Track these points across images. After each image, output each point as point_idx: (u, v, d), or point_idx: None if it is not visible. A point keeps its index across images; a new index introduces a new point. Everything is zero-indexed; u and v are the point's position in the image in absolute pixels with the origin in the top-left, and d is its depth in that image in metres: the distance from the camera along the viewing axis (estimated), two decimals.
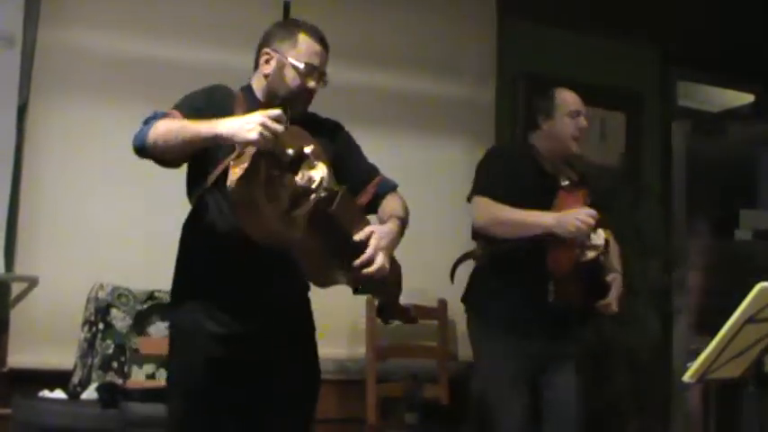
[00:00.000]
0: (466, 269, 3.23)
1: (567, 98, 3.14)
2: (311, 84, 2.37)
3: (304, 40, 2.38)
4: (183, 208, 2.42)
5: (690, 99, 5.47)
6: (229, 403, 2.32)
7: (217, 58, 3.80)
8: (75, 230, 3.62)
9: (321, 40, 2.40)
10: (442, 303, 4.06)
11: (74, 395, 3.32)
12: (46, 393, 3.32)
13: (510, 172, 3.06)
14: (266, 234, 2.14)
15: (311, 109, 2.47)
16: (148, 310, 3.53)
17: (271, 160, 2.06)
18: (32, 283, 3.54)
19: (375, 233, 2.29)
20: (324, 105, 2.49)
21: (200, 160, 2.23)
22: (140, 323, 3.50)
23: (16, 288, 3.55)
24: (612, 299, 3.06)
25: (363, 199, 2.47)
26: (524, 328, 3.02)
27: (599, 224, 2.98)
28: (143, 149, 2.17)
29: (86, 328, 3.48)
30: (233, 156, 2.09)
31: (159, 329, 3.52)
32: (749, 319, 2.18)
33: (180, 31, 3.87)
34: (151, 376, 3.46)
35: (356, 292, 2.40)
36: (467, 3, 4.56)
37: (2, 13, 3.56)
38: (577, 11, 4.81)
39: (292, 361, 2.39)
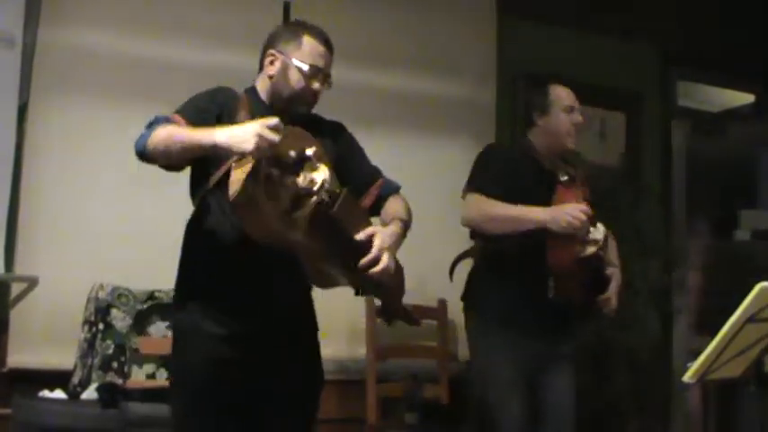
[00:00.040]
0: (466, 268, 3.24)
1: (561, 94, 3.14)
2: (315, 85, 2.38)
3: (308, 42, 2.38)
4: (184, 208, 2.41)
5: (690, 99, 5.48)
6: (231, 403, 2.31)
7: (217, 59, 3.80)
8: (75, 230, 3.62)
9: (326, 42, 2.41)
10: (442, 303, 4.07)
11: (74, 395, 3.32)
12: (46, 393, 3.32)
13: (508, 169, 3.06)
14: (267, 235, 2.14)
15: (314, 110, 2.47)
16: (148, 309, 3.53)
17: (272, 162, 2.06)
18: (32, 283, 3.54)
19: (378, 233, 2.29)
20: (324, 105, 2.49)
21: (203, 161, 2.24)
22: (140, 323, 3.50)
23: (16, 288, 3.55)
24: (612, 293, 3.06)
25: (366, 201, 2.46)
26: (523, 326, 3.01)
27: (593, 219, 2.98)
28: (144, 155, 2.17)
29: (86, 328, 3.48)
30: (235, 157, 2.09)
31: (159, 329, 3.52)
32: (749, 319, 2.18)
33: (180, 32, 3.87)
34: (151, 376, 3.46)
35: (358, 293, 2.40)
36: (467, 3, 4.56)
37: (2, 14, 3.56)
38: (577, 11, 4.81)
39: (294, 361, 2.39)
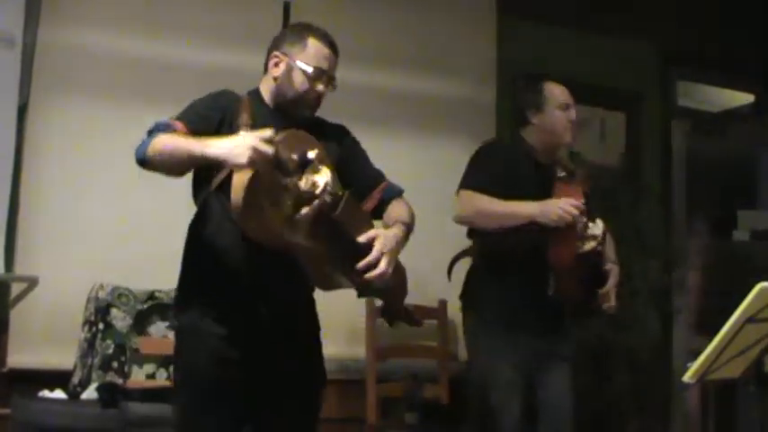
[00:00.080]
0: (465, 268, 3.24)
1: (556, 91, 3.14)
2: (320, 87, 2.38)
3: (313, 44, 2.39)
4: (184, 208, 2.42)
5: (690, 99, 5.48)
6: (234, 403, 2.32)
7: (217, 59, 3.81)
8: (75, 230, 3.62)
9: (331, 45, 2.41)
10: (443, 303, 4.07)
11: (74, 395, 3.32)
12: (46, 393, 3.32)
13: (506, 166, 3.06)
14: (269, 239, 2.15)
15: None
16: (149, 309, 3.53)
17: (274, 165, 2.06)
18: (32, 283, 3.54)
19: (380, 237, 2.29)
20: (323, 105, 2.48)
21: (206, 164, 2.24)
22: (140, 323, 3.50)
23: (16, 288, 3.55)
24: (611, 286, 3.07)
25: (369, 204, 2.46)
26: (523, 325, 3.01)
27: (586, 213, 2.98)
28: (144, 162, 2.18)
29: (86, 328, 3.48)
30: None
31: (159, 329, 3.53)
32: (749, 319, 2.18)
33: (180, 32, 3.87)
34: (151, 376, 3.46)
35: (361, 295, 2.40)
36: (467, 3, 4.56)
37: (2, 14, 3.56)
38: (577, 11, 4.81)
39: (295, 361, 2.38)
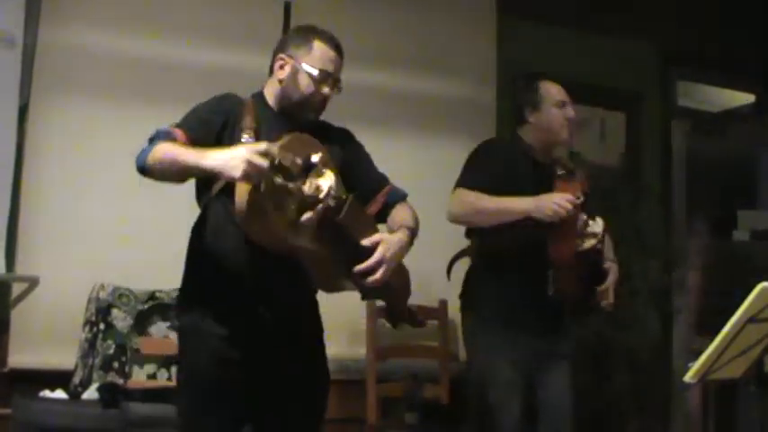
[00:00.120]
0: (465, 267, 3.24)
1: (552, 90, 3.14)
2: (325, 90, 2.38)
3: (319, 47, 2.39)
4: (185, 208, 2.42)
5: (690, 99, 5.48)
6: (235, 404, 2.32)
7: (217, 58, 3.81)
8: (76, 230, 3.62)
9: (336, 47, 2.42)
10: (443, 303, 4.06)
11: (75, 395, 3.32)
12: (47, 393, 3.32)
13: (504, 167, 3.06)
14: (273, 242, 2.15)
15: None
16: (149, 310, 3.53)
17: (278, 169, 2.06)
18: (33, 283, 3.54)
19: (383, 242, 2.29)
20: None
21: (203, 175, 2.24)
22: (141, 323, 3.51)
23: (17, 288, 3.55)
24: (610, 284, 3.07)
25: (373, 208, 2.47)
26: (522, 325, 3.01)
27: (586, 211, 2.98)
28: (144, 171, 2.19)
29: (87, 329, 3.48)
30: None
31: (160, 329, 3.53)
32: (750, 319, 2.18)
33: (180, 32, 3.87)
34: (152, 376, 3.46)
35: (364, 298, 2.41)
36: (467, 3, 4.56)
37: (2, 14, 3.56)
38: (577, 11, 4.81)
39: (296, 362, 2.38)
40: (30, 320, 3.54)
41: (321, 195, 2.14)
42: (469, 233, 3.18)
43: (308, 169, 2.15)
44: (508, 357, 3.01)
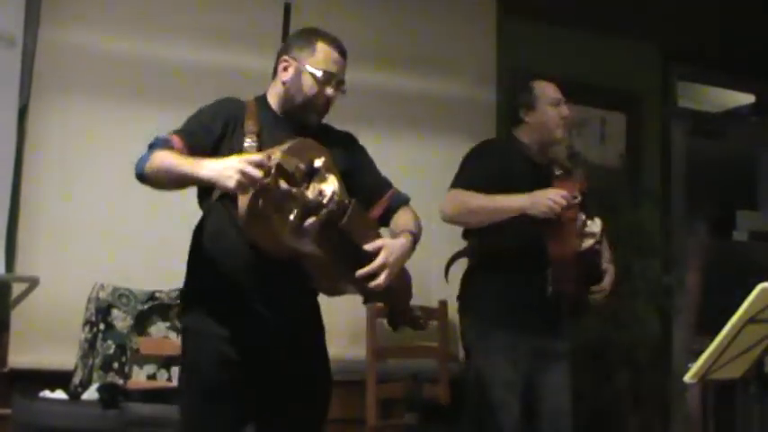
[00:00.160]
0: (463, 268, 3.24)
1: (547, 89, 3.16)
2: (328, 91, 2.39)
3: (322, 49, 2.39)
4: (185, 208, 2.42)
5: (690, 99, 5.48)
6: (236, 404, 2.32)
7: (217, 59, 3.80)
8: (76, 230, 3.62)
9: (339, 49, 2.42)
10: (443, 304, 4.06)
11: (74, 395, 3.31)
12: (46, 394, 3.31)
13: (500, 166, 3.06)
14: (277, 247, 2.16)
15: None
16: (149, 310, 3.53)
17: (281, 175, 2.07)
18: (33, 283, 3.54)
19: (386, 247, 2.30)
20: None
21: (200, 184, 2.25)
22: (141, 323, 3.50)
23: (17, 288, 3.55)
24: (607, 284, 3.08)
25: (376, 212, 2.47)
26: (521, 325, 3.01)
27: (578, 207, 2.98)
28: (142, 179, 2.20)
29: (87, 329, 3.47)
30: None
31: (160, 330, 3.52)
32: (750, 320, 2.18)
33: (180, 32, 3.87)
34: (152, 377, 3.46)
35: (366, 301, 2.41)
36: (467, 3, 4.56)
37: (2, 14, 3.56)
38: (577, 11, 4.81)
39: (301, 364, 2.39)
40: (30, 320, 3.54)
41: (324, 200, 2.15)
42: (467, 234, 3.18)
43: (312, 174, 2.15)
44: (507, 357, 3.01)
